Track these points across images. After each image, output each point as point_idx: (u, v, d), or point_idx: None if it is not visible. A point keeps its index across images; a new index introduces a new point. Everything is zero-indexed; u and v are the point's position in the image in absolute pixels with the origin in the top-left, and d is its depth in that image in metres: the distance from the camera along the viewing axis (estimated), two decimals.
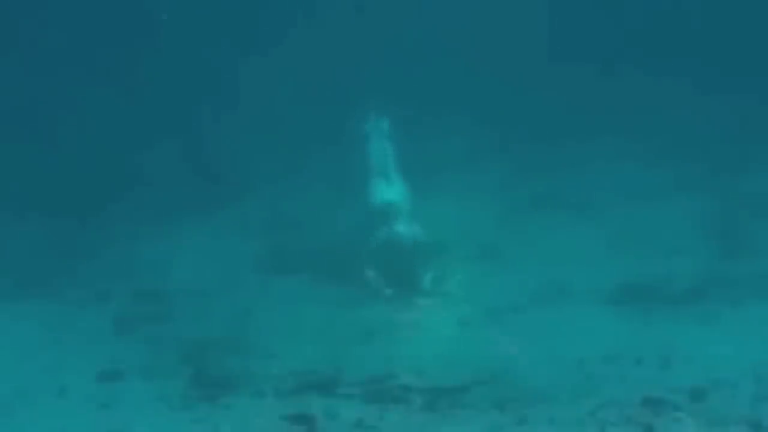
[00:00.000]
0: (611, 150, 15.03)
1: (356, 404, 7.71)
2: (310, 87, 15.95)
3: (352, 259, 11.41)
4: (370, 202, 11.54)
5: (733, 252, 11.39)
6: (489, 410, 7.40)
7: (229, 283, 11.45)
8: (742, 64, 16.02)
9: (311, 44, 16.54)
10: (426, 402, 7.73)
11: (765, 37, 16.10)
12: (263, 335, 9.58)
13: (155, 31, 17.04)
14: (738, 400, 7.25)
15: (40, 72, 16.40)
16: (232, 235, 13.17)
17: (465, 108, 15.57)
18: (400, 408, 7.61)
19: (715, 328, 9.14)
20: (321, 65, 16.19)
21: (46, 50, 16.56)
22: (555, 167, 14.62)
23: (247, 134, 15.66)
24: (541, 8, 17.15)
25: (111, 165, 14.84)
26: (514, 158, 14.93)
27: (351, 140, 12.41)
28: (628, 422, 6.92)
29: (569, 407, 7.32)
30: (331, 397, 7.92)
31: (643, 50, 16.50)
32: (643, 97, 15.93)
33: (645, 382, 7.74)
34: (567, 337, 9.13)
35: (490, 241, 12.23)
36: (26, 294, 10.99)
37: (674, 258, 11.34)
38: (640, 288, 10.37)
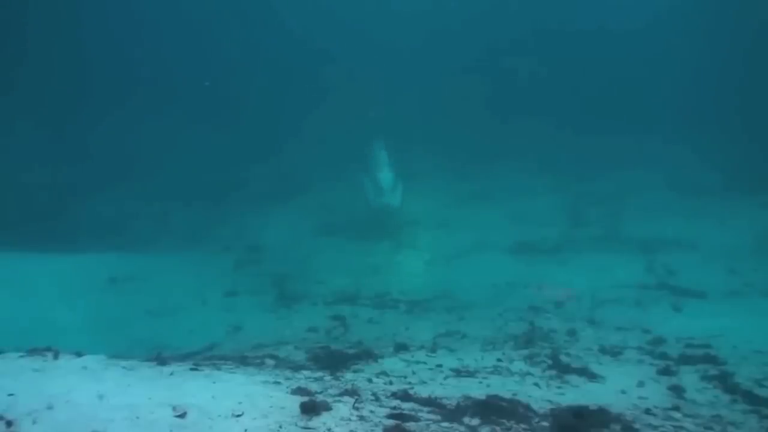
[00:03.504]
0: (510, 167, 18.43)
1: (368, 309, 10.61)
2: (346, 125, 19.01)
3: (366, 226, 14.47)
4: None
5: (577, 224, 14.69)
6: (442, 312, 10.45)
7: (297, 242, 14.53)
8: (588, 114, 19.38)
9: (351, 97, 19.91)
10: (407, 308, 10.77)
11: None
12: (316, 271, 12.74)
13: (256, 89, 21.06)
14: (581, 308, 10.45)
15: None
16: (298, 215, 16.31)
17: (432, 145, 18.86)
18: (392, 311, 10.62)
19: (567, 267, 12.52)
20: (351, 112, 19.34)
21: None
22: (480, 177, 18.05)
23: (308, 157, 19.20)
24: None
25: (233, 176, 18.50)
26: (458, 171, 18.25)
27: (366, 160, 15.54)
28: (520, 319, 9.84)
29: (487, 310, 10.38)
30: (354, 305, 10.84)
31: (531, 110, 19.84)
32: (532, 137, 19.38)
33: (529, 297, 10.95)
34: (486, 271, 12.42)
35: (444, 218, 15.48)
36: (184, 248, 14.23)
37: (545, 228, 14.55)
38: (527, 244, 13.65)
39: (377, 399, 5.89)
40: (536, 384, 6.88)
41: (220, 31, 22.64)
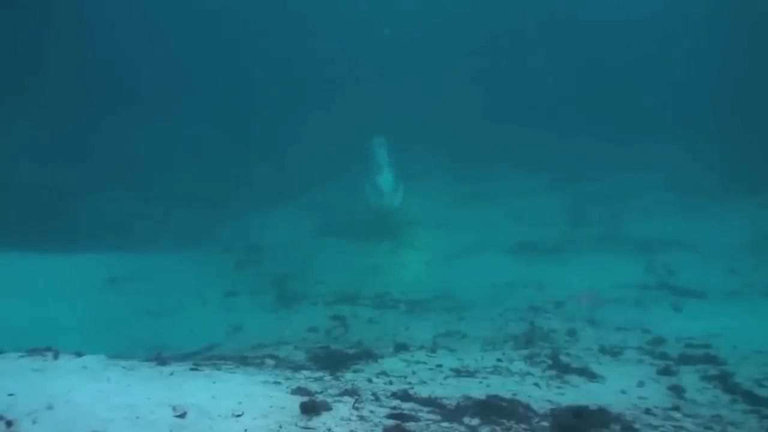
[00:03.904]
0: (511, 167, 18.52)
1: (368, 309, 10.57)
2: (344, 125, 18.98)
3: (366, 227, 14.42)
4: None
5: (577, 224, 14.73)
6: (442, 312, 10.38)
7: (297, 242, 14.53)
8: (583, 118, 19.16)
9: (350, 97, 19.77)
10: (407, 308, 10.73)
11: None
12: (316, 271, 12.70)
13: (254, 84, 20.83)
14: (581, 307, 10.31)
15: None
16: (299, 215, 16.33)
17: (431, 145, 18.82)
18: (392, 311, 10.57)
19: (567, 267, 12.46)
20: (351, 112, 19.31)
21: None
22: (480, 177, 18.10)
23: (309, 156, 19.08)
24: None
25: (233, 176, 18.30)
26: (457, 172, 18.31)
27: (365, 160, 15.44)
28: (520, 319, 9.77)
29: (487, 310, 10.32)
30: (354, 305, 10.81)
31: (531, 110, 19.57)
32: (527, 141, 19.23)
33: (529, 297, 10.92)
34: (486, 271, 12.38)
35: (444, 218, 15.49)
36: (185, 248, 14.16)
37: (545, 228, 14.58)
38: (527, 244, 13.65)
39: (377, 399, 5.87)
40: (536, 384, 6.85)
41: (222, 30, 22.48)
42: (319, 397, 5.60)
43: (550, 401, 6.22)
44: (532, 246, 13.53)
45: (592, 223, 14.91)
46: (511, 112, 19.91)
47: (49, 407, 4.85)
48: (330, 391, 5.97)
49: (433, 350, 8.30)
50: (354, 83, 20.61)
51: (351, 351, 8.05)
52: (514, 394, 6.22)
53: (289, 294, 11.65)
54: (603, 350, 8.27)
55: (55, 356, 6.11)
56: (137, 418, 4.80)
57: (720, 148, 17.07)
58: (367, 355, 7.77)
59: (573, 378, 7.11)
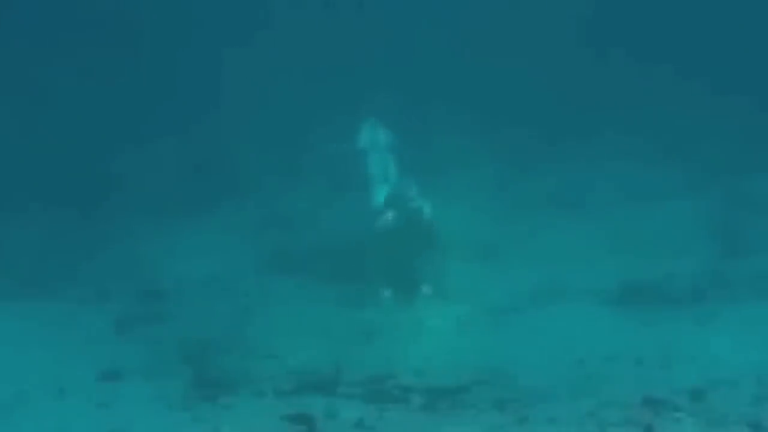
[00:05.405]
0: (611, 148, 15.14)
1: (356, 404, 7.70)
2: (309, 83, 16.04)
3: (353, 256, 11.37)
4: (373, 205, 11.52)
5: (733, 251, 11.61)
6: (489, 410, 7.43)
7: (229, 282, 11.52)
8: (746, 63, 15.95)
9: (309, 40, 16.56)
10: (426, 402, 7.75)
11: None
12: (263, 335, 9.68)
13: (150, 28, 17.00)
14: (738, 400, 7.29)
15: (36, 68, 16.36)
16: (231, 234, 13.22)
17: (464, 106, 15.59)
18: (400, 408, 7.60)
19: (715, 327, 9.26)
20: (319, 61, 16.27)
21: (42, 47, 16.68)
22: (555, 166, 14.75)
23: (244, 130, 15.75)
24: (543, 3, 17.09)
25: (109, 162, 14.84)
26: (514, 157, 15.03)
27: (348, 139, 12.36)
28: (628, 422, 6.87)
29: (569, 407, 7.35)
30: (331, 397, 7.91)
31: (646, 48, 16.39)
32: (646, 95, 16.07)
33: (645, 382, 7.83)
34: (567, 336, 9.25)
35: (490, 241, 12.35)
36: (26, 293, 10.91)
37: (674, 258, 11.51)
38: (639, 288, 10.51)
39: None
40: None
41: None
42: None
43: None
44: (650, 290, 10.40)
45: (758, 248, 11.75)
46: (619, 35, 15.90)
47: None
48: None
49: None
50: None
51: None
52: None
53: (214, 377, 8.60)
54: None
55: None
56: None
57: None
58: None
59: None
